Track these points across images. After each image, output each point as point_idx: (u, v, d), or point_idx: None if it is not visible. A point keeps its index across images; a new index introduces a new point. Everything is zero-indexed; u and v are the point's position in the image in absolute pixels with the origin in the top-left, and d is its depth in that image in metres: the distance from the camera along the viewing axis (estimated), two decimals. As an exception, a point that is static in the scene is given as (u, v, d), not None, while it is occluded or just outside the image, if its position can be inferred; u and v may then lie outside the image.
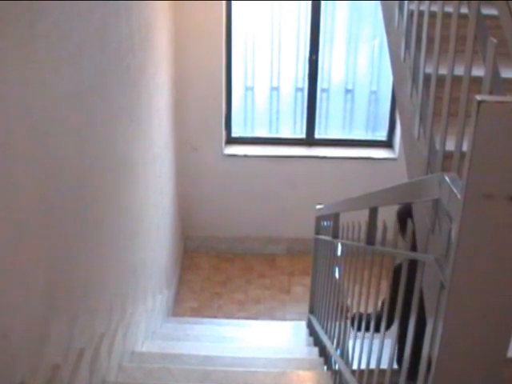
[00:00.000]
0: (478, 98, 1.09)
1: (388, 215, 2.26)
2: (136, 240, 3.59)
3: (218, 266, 5.94)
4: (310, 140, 5.98)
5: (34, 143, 1.76)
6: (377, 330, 2.19)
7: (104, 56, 2.66)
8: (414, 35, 2.35)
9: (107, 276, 2.81)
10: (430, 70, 2.09)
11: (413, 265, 1.75)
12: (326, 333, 3.71)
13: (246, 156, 5.83)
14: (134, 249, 3.55)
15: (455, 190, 1.26)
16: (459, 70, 1.75)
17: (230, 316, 5.14)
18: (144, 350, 3.73)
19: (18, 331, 1.70)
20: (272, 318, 5.16)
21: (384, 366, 2.06)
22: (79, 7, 2.18)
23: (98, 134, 2.57)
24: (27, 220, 1.73)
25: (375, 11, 5.38)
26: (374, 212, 2.46)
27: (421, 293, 1.69)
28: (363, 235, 2.58)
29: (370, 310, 2.37)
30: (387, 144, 5.95)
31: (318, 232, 4.44)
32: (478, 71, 1.65)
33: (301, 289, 5.55)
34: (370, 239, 2.48)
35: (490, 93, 1.48)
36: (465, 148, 1.23)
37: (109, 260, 2.85)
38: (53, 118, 1.91)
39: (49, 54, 1.86)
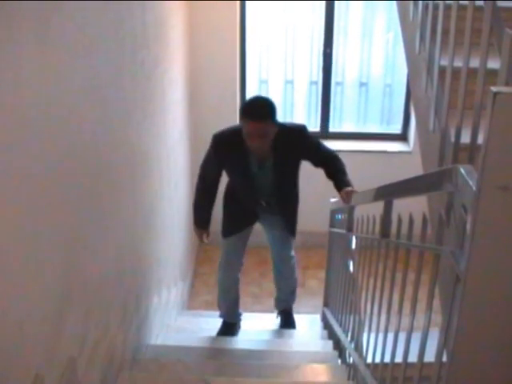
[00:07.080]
0: (494, 89, 1.08)
1: (403, 208, 2.25)
2: (151, 233, 3.60)
3: (232, 259, 5.91)
4: (324, 133, 5.96)
5: (50, 134, 1.77)
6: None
7: (119, 50, 2.66)
8: (428, 28, 2.34)
9: (122, 269, 2.83)
10: (445, 62, 2.08)
11: None
12: (340, 326, 3.70)
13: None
14: (149, 241, 3.57)
15: (470, 182, 1.25)
16: (474, 63, 1.74)
17: (244, 309, 5.13)
18: (158, 342, 3.74)
19: (34, 323, 1.71)
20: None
21: (398, 359, 2.06)
22: (94, 2, 2.19)
23: (112, 127, 2.58)
24: (43, 213, 1.74)
25: (389, 4, 5.35)
26: (388, 205, 2.45)
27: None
28: (378, 228, 2.58)
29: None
30: (402, 137, 5.93)
31: (332, 225, 4.44)
32: (494, 63, 1.64)
33: (315, 282, 5.55)
34: (385, 232, 2.48)
35: (506, 84, 1.47)
36: (480, 140, 1.22)
37: (124, 252, 2.86)
38: (68, 110, 1.92)
39: (64, 47, 1.87)
